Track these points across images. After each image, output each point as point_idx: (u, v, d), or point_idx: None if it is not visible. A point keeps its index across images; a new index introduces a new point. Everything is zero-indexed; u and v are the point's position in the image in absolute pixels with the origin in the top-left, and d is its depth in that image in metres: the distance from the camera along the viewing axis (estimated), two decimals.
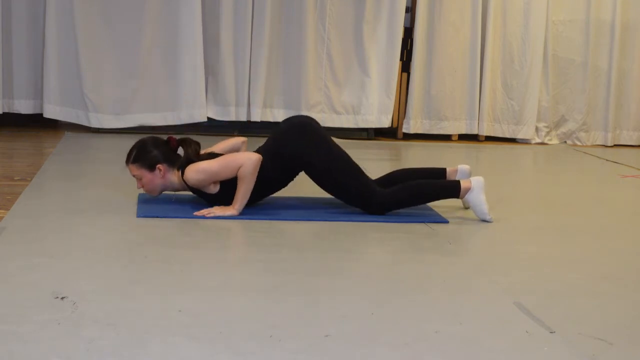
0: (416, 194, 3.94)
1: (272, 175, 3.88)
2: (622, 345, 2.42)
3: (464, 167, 4.14)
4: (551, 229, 3.96)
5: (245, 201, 3.77)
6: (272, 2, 6.51)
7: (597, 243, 3.73)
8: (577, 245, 3.68)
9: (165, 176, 3.87)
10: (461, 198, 3.96)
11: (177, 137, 3.99)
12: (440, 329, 2.47)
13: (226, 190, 3.81)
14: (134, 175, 3.92)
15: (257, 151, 3.91)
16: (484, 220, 3.93)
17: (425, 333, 2.43)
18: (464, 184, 3.90)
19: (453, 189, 3.91)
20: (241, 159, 3.76)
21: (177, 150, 3.95)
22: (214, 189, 3.83)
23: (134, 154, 3.90)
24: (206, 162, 3.80)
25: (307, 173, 3.94)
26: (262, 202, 4.02)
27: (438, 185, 3.98)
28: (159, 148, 3.90)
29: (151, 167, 3.86)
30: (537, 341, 2.42)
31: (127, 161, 3.91)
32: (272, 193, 4.00)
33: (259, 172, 3.80)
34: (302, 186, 4.38)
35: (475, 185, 3.89)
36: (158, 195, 3.96)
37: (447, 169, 4.15)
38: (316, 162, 3.87)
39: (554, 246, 3.64)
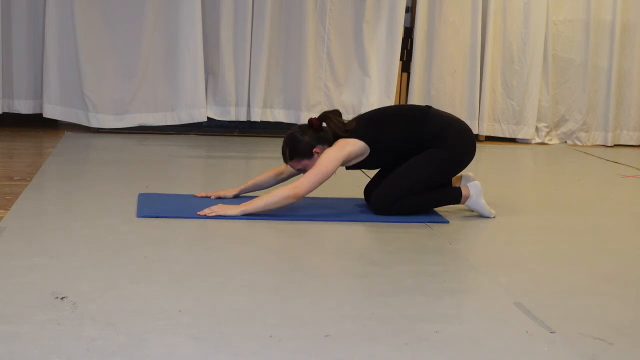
0: (423, 200, 3.99)
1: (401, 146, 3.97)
2: (622, 345, 2.42)
3: (467, 174, 4.20)
4: (551, 229, 3.96)
5: (254, 212, 3.76)
6: (272, 2, 6.51)
7: (597, 243, 3.73)
8: (577, 245, 3.68)
9: None
10: (462, 204, 4.03)
11: (316, 117, 3.95)
12: (440, 329, 2.47)
13: (376, 154, 3.89)
14: (298, 170, 3.95)
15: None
16: (487, 217, 4.04)
17: (425, 333, 2.43)
18: (463, 192, 4.02)
19: (457, 197, 4.02)
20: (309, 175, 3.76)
21: (322, 128, 3.93)
22: (359, 159, 3.91)
23: (288, 151, 3.91)
24: (330, 153, 3.82)
25: (423, 146, 3.96)
26: None
27: (442, 192, 4.05)
28: (307, 133, 3.89)
29: (309, 155, 3.87)
30: (537, 341, 2.42)
31: (286, 160, 3.94)
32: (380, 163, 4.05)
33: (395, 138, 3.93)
34: None
35: (473, 192, 4.01)
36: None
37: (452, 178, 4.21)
38: (447, 146, 3.93)
39: (554, 246, 3.64)
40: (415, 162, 3.94)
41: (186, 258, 3.15)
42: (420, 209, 3.98)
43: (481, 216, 4.04)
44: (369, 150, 3.91)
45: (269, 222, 3.72)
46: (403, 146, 3.98)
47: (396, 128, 3.97)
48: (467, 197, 4.01)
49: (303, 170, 3.93)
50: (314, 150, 3.87)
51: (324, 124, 3.95)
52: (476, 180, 4.15)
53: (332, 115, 3.95)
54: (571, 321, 2.60)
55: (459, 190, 4.02)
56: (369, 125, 3.97)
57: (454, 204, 4.03)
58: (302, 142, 3.88)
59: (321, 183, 3.79)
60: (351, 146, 3.86)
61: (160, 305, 2.56)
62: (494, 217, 4.03)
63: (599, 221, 4.19)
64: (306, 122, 3.98)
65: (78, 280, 2.77)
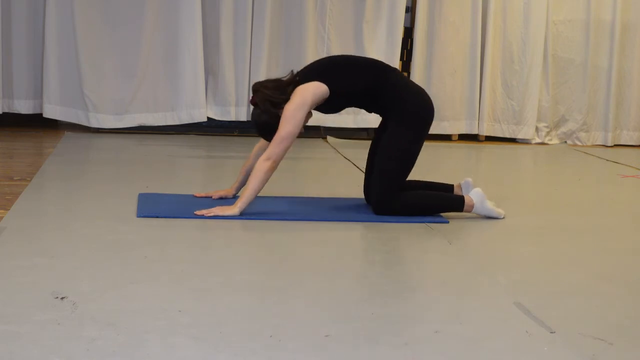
0: (427, 203, 3.98)
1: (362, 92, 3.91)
2: (622, 345, 2.42)
3: (466, 180, 4.18)
4: (551, 229, 3.96)
5: (248, 200, 3.76)
6: (272, 2, 6.52)
7: (597, 243, 3.73)
8: (577, 245, 3.68)
9: None
10: (468, 212, 4.01)
11: (252, 96, 3.90)
12: (440, 329, 2.47)
13: (333, 99, 3.84)
14: None
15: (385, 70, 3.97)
16: (497, 218, 4.02)
17: (425, 333, 2.43)
18: (467, 201, 3.98)
19: (459, 204, 3.99)
20: (272, 149, 3.73)
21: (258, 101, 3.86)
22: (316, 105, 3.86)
23: (267, 135, 3.85)
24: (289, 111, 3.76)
25: (387, 118, 3.96)
26: (262, 202, 4.01)
27: (447, 198, 4.04)
28: (262, 111, 3.81)
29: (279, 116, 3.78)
30: (537, 341, 2.42)
31: (269, 138, 3.86)
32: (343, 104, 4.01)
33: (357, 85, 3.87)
34: (302, 186, 4.38)
35: (477, 200, 3.99)
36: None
37: (454, 185, 4.20)
38: (409, 112, 3.90)
39: (554, 246, 3.64)
40: (388, 145, 3.91)
41: (186, 258, 3.15)
42: (422, 212, 3.96)
43: (490, 218, 4.02)
44: (328, 94, 3.83)
45: (269, 222, 3.72)
46: (363, 94, 3.92)
47: (361, 74, 3.93)
48: (472, 207, 3.98)
49: None
50: (280, 114, 3.79)
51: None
52: (475, 185, 4.13)
53: (260, 88, 3.84)
54: (571, 321, 2.60)
55: (462, 198, 3.99)
56: (327, 69, 3.91)
57: (456, 211, 4.00)
58: (267, 119, 3.81)
59: (290, 144, 3.75)
60: (311, 96, 3.78)
61: (160, 305, 2.56)
62: (503, 217, 4.02)
63: (599, 221, 4.19)
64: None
65: (78, 280, 2.77)
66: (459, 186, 4.19)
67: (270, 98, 3.82)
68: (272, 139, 3.76)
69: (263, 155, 3.76)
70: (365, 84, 3.91)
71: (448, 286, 2.95)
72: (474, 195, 4.00)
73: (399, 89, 3.94)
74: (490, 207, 4.00)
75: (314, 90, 3.81)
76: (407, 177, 3.95)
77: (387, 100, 3.92)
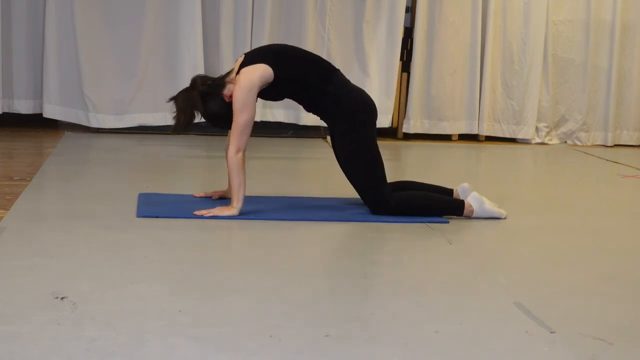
0: (426, 205, 3.97)
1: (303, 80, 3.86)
2: (622, 345, 2.42)
3: (462, 186, 4.16)
4: (551, 229, 3.96)
5: (241, 196, 3.75)
6: (272, 2, 6.51)
7: (598, 243, 3.73)
8: (577, 245, 3.68)
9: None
10: (469, 217, 4.00)
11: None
12: (440, 329, 2.47)
13: (276, 84, 3.79)
14: None
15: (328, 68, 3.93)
16: (499, 218, 4.01)
17: (425, 333, 2.43)
18: (467, 207, 3.98)
19: (459, 208, 3.98)
20: (233, 140, 3.72)
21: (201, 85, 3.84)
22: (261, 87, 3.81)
23: (223, 123, 3.83)
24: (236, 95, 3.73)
25: (333, 123, 3.94)
26: (261, 202, 4.01)
27: (446, 201, 4.03)
28: (211, 101, 3.79)
29: (230, 106, 3.76)
30: (537, 341, 2.42)
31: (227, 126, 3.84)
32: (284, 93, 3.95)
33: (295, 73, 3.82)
34: (302, 186, 4.38)
35: (475, 205, 3.98)
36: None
37: (454, 190, 4.19)
38: (350, 114, 3.86)
39: (554, 246, 3.64)
40: (344, 150, 3.90)
41: (186, 258, 3.15)
42: (420, 214, 3.95)
43: (492, 218, 4.02)
44: (272, 78, 3.78)
45: (268, 222, 3.72)
46: (305, 86, 3.86)
47: (307, 65, 3.91)
48: (471, 212, 3.97)
49: None
50: (227, 100, 3.77)
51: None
52: (474, 186, 4.13)
53: (197, 84, 3.81)
54: (571, 321, 2.60)
55: (462, 202, 3.99)
56: (275, 54, 3.88)
57: (455, 215, 3.98)
58: (218, 110, 3.79)
59: (249, 130, 3.73)
60: (258, 78, 3.74)
61: (160, 305, 2.56)
62: (505, 217, 4.01)
63: (599, 221, 4.19)
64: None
65: (78, 280, 2.77)
66: (456, 191, 4.18)
67: (219, 92, 3.79)
68: (232, 129, 3.73)
69: (231, 149, 3.73)
70: (310, 77, 3.87)
71: (448, 286, 2.95)
72: (472, 200, 3.99)
73: (340, 88, 3.90)
74: (491, 208, 4.00)
75: (261, 72, 3.76)
76: (381, 166, 3.91)
77: (328, 98, 3.87)
